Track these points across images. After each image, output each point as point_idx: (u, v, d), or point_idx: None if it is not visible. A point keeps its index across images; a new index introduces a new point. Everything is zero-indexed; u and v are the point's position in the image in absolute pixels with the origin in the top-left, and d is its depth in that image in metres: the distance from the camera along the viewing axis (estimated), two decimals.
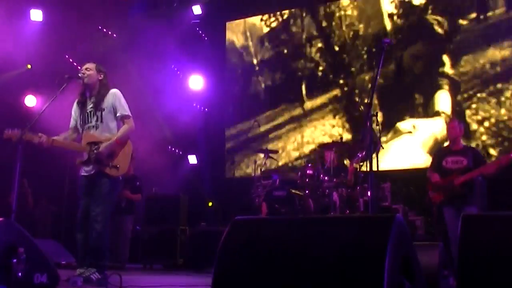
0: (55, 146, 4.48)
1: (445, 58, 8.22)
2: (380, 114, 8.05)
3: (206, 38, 10.36)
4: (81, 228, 4.42)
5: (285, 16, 9.90)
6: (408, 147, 8.27)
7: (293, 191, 6.88)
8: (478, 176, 5.57)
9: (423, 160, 7.92)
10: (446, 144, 6.31)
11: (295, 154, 9.20)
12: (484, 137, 7.72)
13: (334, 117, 9.04)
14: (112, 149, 4.43)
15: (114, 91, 4.59)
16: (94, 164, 4.44)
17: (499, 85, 7.77)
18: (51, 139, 4.43)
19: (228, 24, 10.48)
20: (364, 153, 6.42)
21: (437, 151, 6.02)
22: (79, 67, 4.72)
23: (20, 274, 3.29)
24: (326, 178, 6.85)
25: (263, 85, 9.93)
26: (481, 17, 8.00)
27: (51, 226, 9.54)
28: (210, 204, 8.69)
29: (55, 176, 9.06)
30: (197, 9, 9.90)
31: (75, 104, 4.68)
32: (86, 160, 4.45)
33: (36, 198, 9.37)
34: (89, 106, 4.58)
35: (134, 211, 7.60)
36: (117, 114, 4.52)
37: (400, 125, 8.37)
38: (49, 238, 8.47)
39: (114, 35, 9.98)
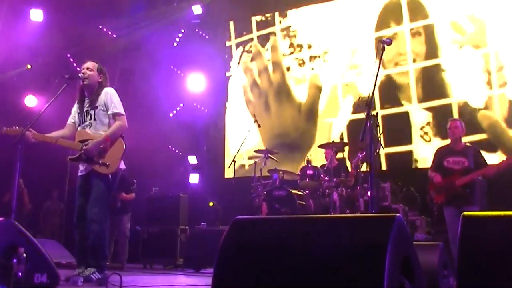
0: (47, 142, 4.46)
1: None
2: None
3: (207, 37, 10.34)
4: (78, 228, 4.42)
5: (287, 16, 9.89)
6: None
7: (293, 191, 6.88)
8: (478, 177, 5.62)
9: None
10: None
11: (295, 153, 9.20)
12: None
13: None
14: (101, 146, 4.39)
15: (107, 89, 4.57)
16: (84, 161, 4.43)
17: None
18: (41, 135, 4.41)
19: (230, 23, 10.46)
20: (364, 153, 6.43)
21: (438, 150, 6.02)
22: (78, 68, 4.71)
23: (20, 274, 3.29)
24: (326, 178, 6.86)
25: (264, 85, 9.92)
26: None
27: (52, 226, 9.56)
28: (210, 204, 8.68)
29: (55, 176, 9.06)
30: (197, 9, 9.89)
31: (76, 103, 4.69)
32: (76, 157, 4.44)
33: (37, 198, 9.37)
34: (86, 105, 4.59)
35: (129, 210, 7.63)
36: (109, 112, 4.50)
37: None
38: (49, 238, 8.48)
39: (114, 36, 9.98)
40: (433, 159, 6.00)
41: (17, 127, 4.35)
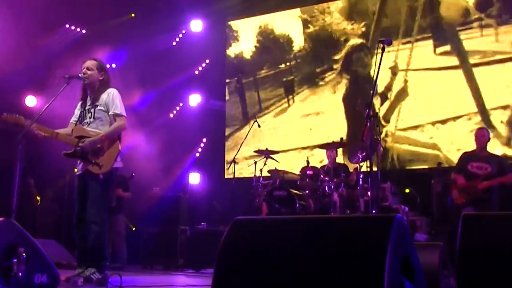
0: (47, 136, 4.43)
1: None
2: None
3: (207, 37, 10.34)
4: (77, 229, 4.42)
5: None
6: None
7: (293, 191, 6.88)
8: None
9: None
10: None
11: (295, 153, 9.19)
12: None
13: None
14: (97, 145, 4.38)
15: (110, 90, 4.57)
16: (78, 158, 4.42)
17: None
18: (41, 127, 4.37)
19: (229, 24, 10.47)
20: (364, 153, 6.43)
21: (464, 155, 6.38)
22: (79, 68, 4.70)
23: (20, 274, 3.29)
24: (326, 178, 6.85)
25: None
26: None
27: (52, 226, 9.55)
28: (214, 204, 8.69)
29: (55, 175, 9.07)
30: (197, 9, 9.90)
31: (79, 102, 4.70)
32: (71, 153, 4.42)
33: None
34: (88, 104, 4.59)
35: (124, 210, 7.62)
36: (110, 113, 4.50)
37: None
38: (49, 238, 8.48)
39: (114, 36, 9.98)
40: (458, 162, 6.36)
41: (17, 115, 4.34)
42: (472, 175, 6.00)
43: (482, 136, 6.16)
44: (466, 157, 6.25)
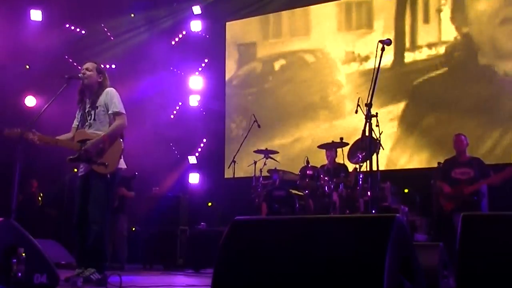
0: (48, 144, 4.45)
1: None
2: None
3: (207, 37, 10.34)
4: (78, 229, 4.42)
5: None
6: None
7: (293, 191, 6.88)
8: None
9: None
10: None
11: (295, 153, 9.19)
12: None
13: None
14: (99, 146, 4.39)
15: (108, 89, 4.57)
16: (83, 161, 4.43)
17: None
18: (42, 136, 4.38)
19: (228, 25, 10.46)
20: (364, 153, 6.43)
21: (445, 162, 6.51)
22: (79, 68, 4.71)
23: (20, 274, 3.30)
24: (326, 178, 6.85)
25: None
26: None
27: (52, 226, 9.55)
28: (210, 204, 8.68)
29: (55, 176, 9.07)
30: (197, 9, 9.92)
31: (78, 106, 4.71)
32: (75, 158, 4.43)
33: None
34: (87, 105, 4.60)
35: (126, 210, 7.62)
36: (109, 112, 4.50)
37: None
38: (49, 238, 8.48)
39: (114, 36, 10.00)
40: (441, 170, 6.46)
41: (19, 129, 4.34)
42: (456, 181, 6.16)
43: (460, 142, 6.33)
44: (448, 165, 6.40)
